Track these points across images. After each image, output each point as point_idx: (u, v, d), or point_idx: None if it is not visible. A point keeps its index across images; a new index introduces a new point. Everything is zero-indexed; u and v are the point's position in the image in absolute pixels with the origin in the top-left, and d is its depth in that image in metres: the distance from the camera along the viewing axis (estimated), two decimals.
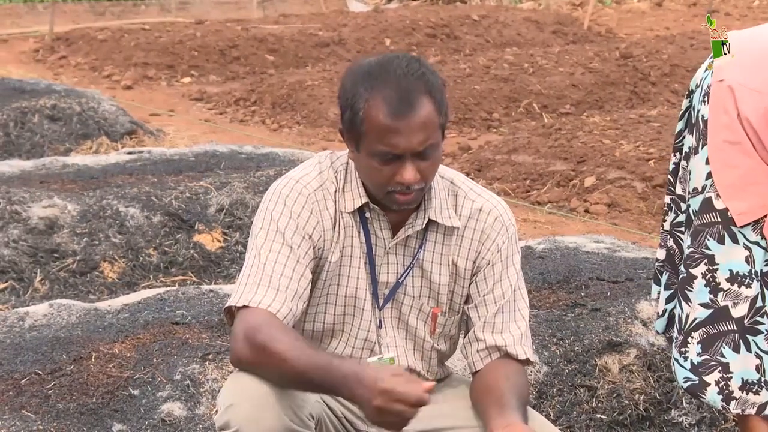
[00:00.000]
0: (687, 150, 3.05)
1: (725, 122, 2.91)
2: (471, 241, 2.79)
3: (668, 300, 3.16)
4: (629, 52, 11.97)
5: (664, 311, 3.17)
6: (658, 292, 3.27)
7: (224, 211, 5.65)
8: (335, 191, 2.73)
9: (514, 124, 9.97)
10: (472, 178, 7.40)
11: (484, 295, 2.80)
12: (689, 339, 2.99)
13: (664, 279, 3.18)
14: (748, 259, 2.91)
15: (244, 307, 2.61)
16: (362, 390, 2.43)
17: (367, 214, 2.73)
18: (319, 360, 2.50)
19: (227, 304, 2.66)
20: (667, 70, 11.44)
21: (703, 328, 2.96)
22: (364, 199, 2.72)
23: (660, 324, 3.20)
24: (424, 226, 2.75)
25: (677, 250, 3.12)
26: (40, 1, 15.20)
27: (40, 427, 3.35)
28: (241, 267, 2.72)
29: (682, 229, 3.08)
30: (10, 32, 14.19)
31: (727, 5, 17.46)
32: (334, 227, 2.72)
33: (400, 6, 17.40)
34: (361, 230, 2.74)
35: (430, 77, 2.64)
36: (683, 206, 3.07)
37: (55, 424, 3.37)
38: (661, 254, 3.22)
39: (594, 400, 3.86)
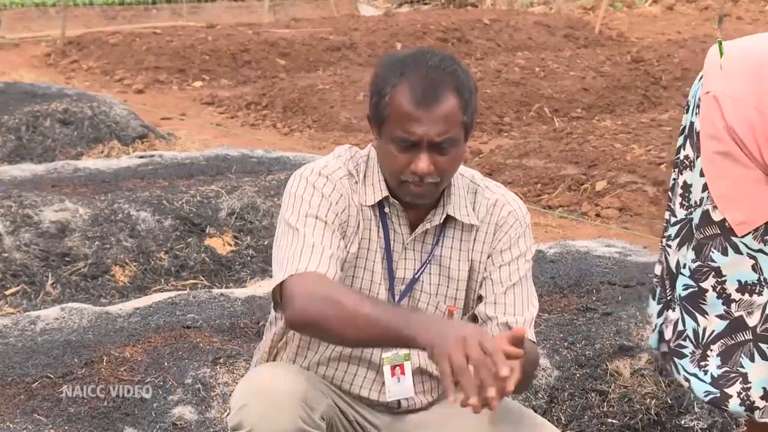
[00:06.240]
0: (683, 161, 3.04)
1: (713, 133, 2.90)
2: (485, 235, 2.80)
3: (659, 315, 3.12)
4: (640, 56, 11.96)
5: (656, 326, 3.13)
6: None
7: (235, 215, 5.65)
8: (355, 183, 2.73)
9: (525, 128, 9.96)
10: None
11: (491, 273, 2.77)
12: (708, 352, 2.95)
13: (657, 293, 3.14)
14: (755, 268, 2.89)
15: (290, 278, 2.56)
16: (448, 330, 2.35)
17: (387, 209, 2.74)
18: (394, 308, 2.55)
19: (273, 284, 2.62)
20: (679, 74, 11.42)
21: (722, 340, 2.93)
22: (385, 193, 2.72)
23: (653, 339, 3.15)
24: (441, 221, 2.76)
25: (666, 264, 3.08)
26: (52, 5, 15.20)
27: (52, 431, 3.35)
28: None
29: (670, 243, 3.06)
30: (22, 36, 14.20)
31: (739, 9, 17.41)
32: (356, 218, 2.72)
33: (411, 10, 17.41)
34: (380, 225, 2.74)
35: (462, 75, 2.65)
36: (673, 219, 3.06)
37: (66, 427, 3.38)
38: (658, 269, 3.18)
39: (605, 404, 3.86)
